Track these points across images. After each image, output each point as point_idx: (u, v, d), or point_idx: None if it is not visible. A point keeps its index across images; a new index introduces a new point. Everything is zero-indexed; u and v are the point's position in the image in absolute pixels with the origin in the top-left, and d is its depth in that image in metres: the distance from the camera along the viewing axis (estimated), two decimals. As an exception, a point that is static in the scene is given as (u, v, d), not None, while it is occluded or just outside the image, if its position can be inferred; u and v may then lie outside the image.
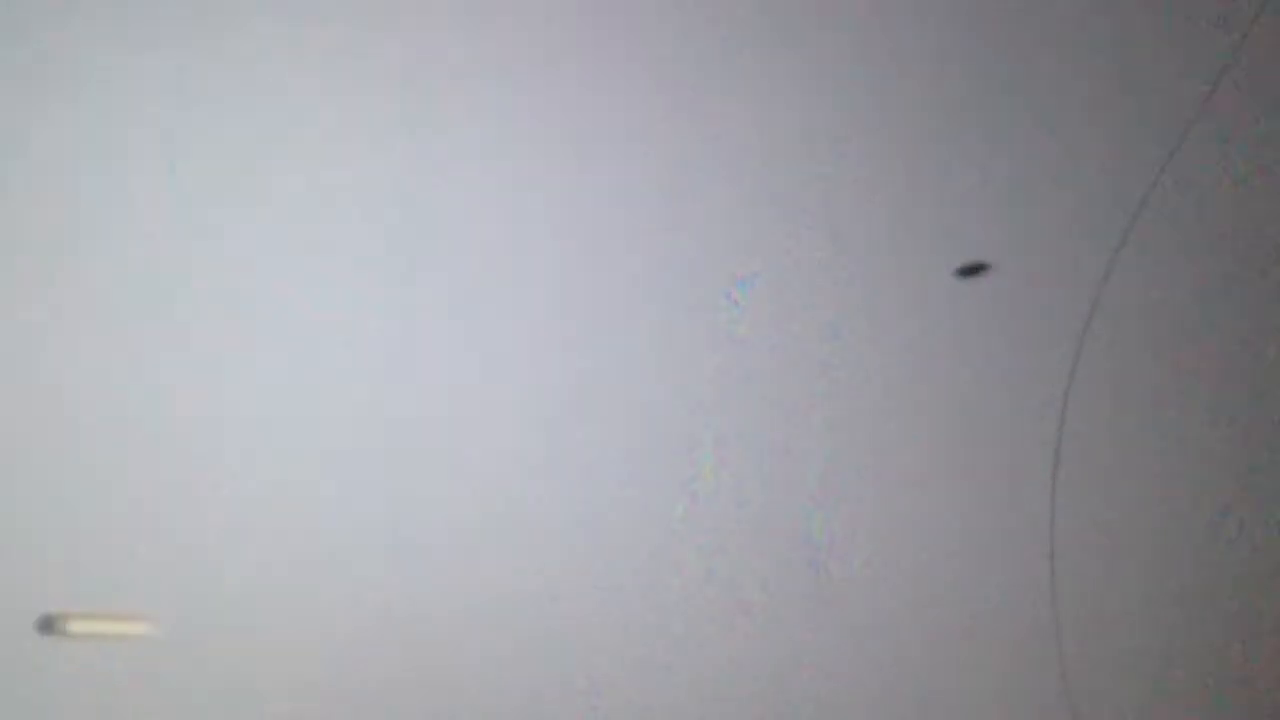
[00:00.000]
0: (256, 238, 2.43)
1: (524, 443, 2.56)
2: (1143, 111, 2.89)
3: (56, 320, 2.33)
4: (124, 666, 2.34)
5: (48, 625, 2.30)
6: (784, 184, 2.72)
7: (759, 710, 2.66)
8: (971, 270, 2.73)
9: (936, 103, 2.80)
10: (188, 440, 2.39)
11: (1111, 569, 2.85)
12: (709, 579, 2.64)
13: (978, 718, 2.77)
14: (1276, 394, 2.95)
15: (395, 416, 2.50)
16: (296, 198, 2.45)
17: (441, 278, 2.53)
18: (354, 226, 2.49)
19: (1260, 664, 2.91)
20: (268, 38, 2.44)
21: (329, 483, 2.46)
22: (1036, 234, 2.83)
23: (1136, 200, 2.87)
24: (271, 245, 2.44)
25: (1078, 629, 2.81)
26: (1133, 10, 2.89)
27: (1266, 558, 2.92)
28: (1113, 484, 2.85)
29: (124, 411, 2.36)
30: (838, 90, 2.75)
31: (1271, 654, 2.92)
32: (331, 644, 2.45)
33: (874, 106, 2.77)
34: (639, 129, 2.65)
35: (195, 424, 2.40)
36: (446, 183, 2.54)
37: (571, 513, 2.58)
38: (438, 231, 2.53)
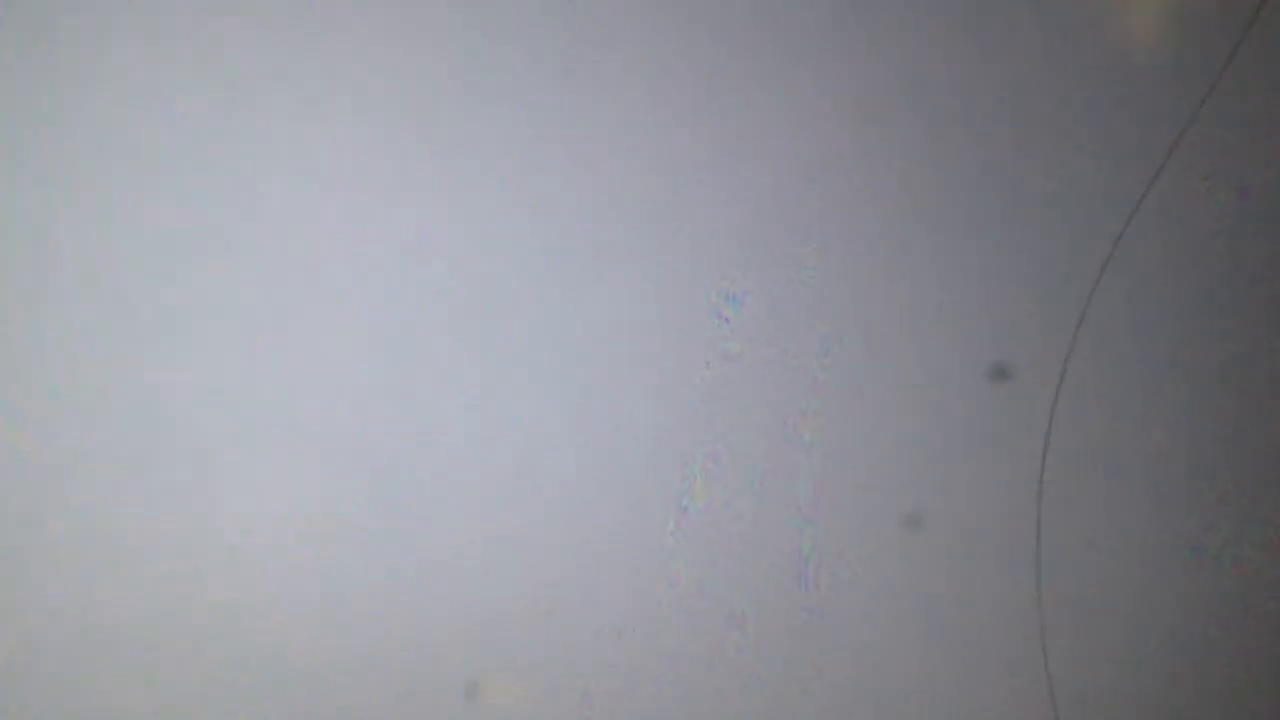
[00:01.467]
0: (257, 246, 2.45)
1: (513, 458, 2.58)
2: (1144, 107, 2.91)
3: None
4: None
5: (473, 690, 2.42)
6: (776, 200, 2.74)
7: (750, 722, 2.69)
8: (1000, 375, 2.78)
9: (933, 117, 2.82)
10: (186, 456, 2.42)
11: (1099, 579, 2.86)
12: (700, 593, 2.67)
13: (967, 728, 2.79)
14: (1269, 407, 2.96)
15: (385, 432, 2.52)
16: (297, 206, 2.48)
17: (431, 292, 2.55)
18: (347, 248, 2.51)
19: (1248, 674, 2.92)
20: (275, 43, 2.46)
21: (322, 495, 2.48)
22: (1037, 243, 2.85)
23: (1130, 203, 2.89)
24: (270, 255, 2.46)
25: (1064, 639, 2.83)
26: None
27: (1254, 570, 2.94)
28: (1100, 493, 2.87)
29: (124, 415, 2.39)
30: (833, 105, 2.77)
31: (1261, 664, 2.93)
32: (324, 655, 2.47)
33: (869, 120, 2.79)
34: (631, 143, 2.67)
35: (197, 435, 2.42)
36: (434, 198, 2.56)
37: (562, 527, 2.60)
38: (428, 246, 2.55)
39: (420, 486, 2.53)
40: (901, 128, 2.80)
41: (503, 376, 2.59)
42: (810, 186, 2.76)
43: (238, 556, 2.44)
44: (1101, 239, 2.89)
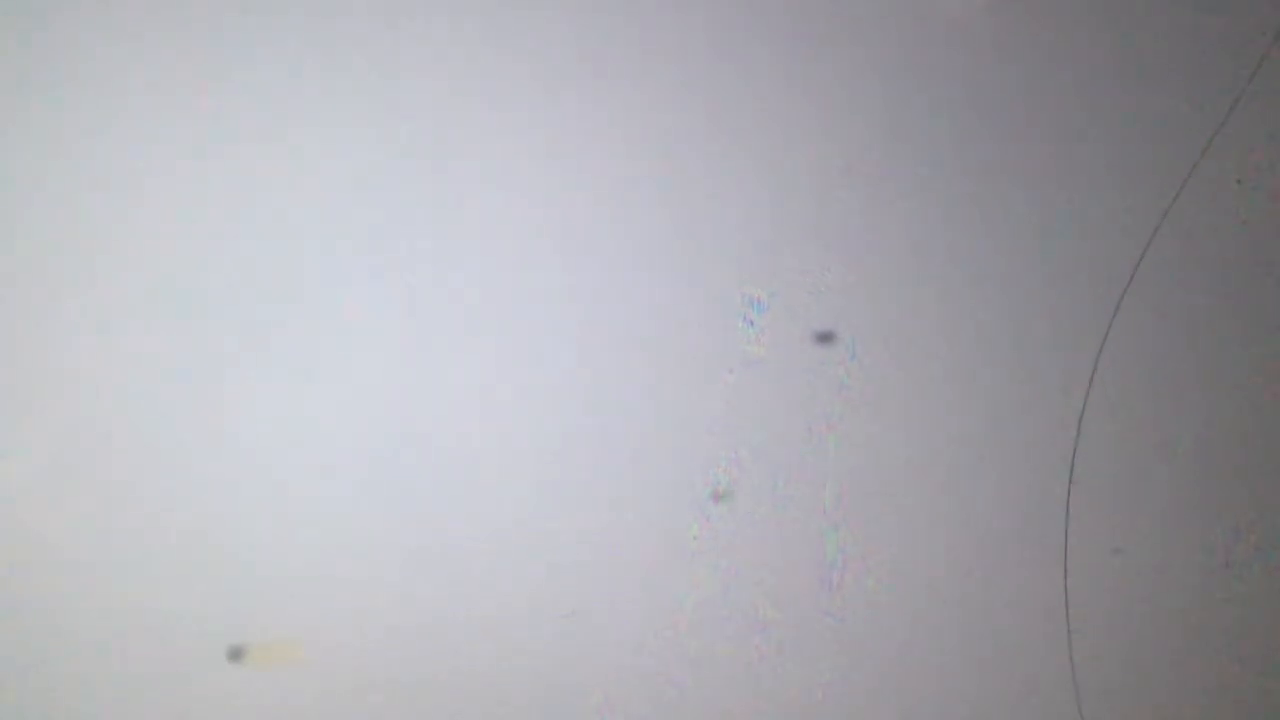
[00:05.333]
0: (264, 244, 2.46)
1: (538, 462, 2.58)
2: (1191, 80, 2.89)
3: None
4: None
5: (236, 654, 2.40)
6: (801, 206, 2.74)
7: (773, 728, 2.68)
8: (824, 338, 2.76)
9: (960, 122, 2.81)
10: (191, 454, 2.43)
11: (1126, 587, 2.85)
12: (724, 598, 2.66)
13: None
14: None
15: (412, 432, 2.53)
16: (306, 203, 2.48)
17: (458, 295, 2.56)
18: (370, 254, 2.52)
19: (1272, 678, 2.91)
20: (286, 42, 2.47)
21: (342, 495, 2.49)
22: (1054, 246, 2.84)
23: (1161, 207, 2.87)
24: (279, 256, 2.47)
25: (1092, 647, 2.82)
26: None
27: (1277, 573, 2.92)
28: (1127, 500, 2.86)
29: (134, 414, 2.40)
30: (856, 113, 2.77)
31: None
32: (340, 657, 2.48)
33: (894, 124, 2.78)
34: (656, 149, 2.67)
35: (206, 435, 2.43)
36: (461, 203, 2.56)
37: (586, 532, 2.60)
38: (454, 251, 2.56)
39: (442, 492, 2.53)
40: (927, 133, 2.79)
41: (526, 383, 2.59)
42: (835, 191, 2.75)
43: (247, 557, 2.45)
44: (1130, 247, 2.87)
